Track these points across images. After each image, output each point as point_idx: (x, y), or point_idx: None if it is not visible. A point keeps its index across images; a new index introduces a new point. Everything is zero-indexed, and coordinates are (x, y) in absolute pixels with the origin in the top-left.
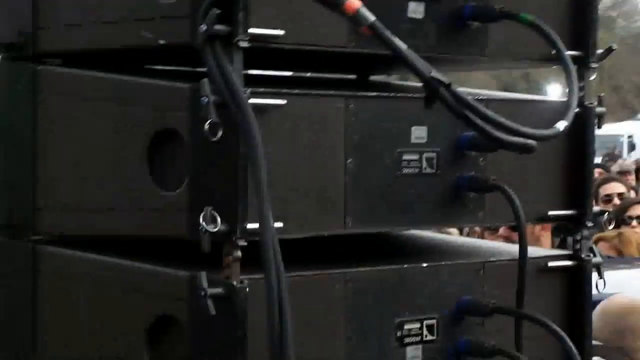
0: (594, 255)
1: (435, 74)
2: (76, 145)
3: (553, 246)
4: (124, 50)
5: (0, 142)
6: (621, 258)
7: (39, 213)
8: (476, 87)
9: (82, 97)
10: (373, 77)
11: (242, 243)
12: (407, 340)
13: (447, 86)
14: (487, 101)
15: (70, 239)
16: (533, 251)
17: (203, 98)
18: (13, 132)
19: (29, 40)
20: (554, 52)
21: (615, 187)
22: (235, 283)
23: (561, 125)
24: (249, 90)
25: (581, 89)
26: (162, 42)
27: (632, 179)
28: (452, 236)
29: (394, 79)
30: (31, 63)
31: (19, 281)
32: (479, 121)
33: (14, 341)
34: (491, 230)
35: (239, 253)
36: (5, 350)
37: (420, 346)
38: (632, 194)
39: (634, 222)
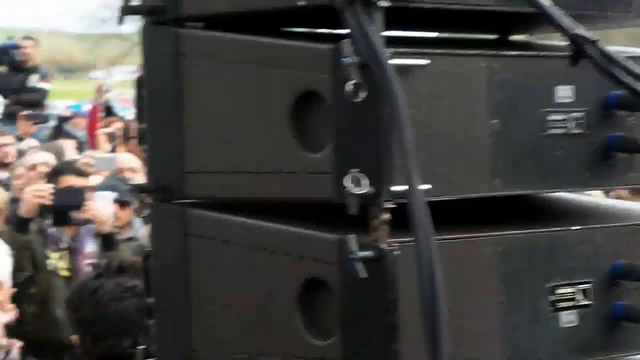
0: None
1: (580, 30)
2: (220, 108)
3: None
4: (262, 12)
5: (148, 107)
6: None
7: (187, 176)
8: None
9: (224, 60)
10: (514, 38)
11: (390, 205)
12: (560, 304)
13: (593, 43)
14: (635, 58)
15: (218, 202)
16: None
17: (345, 59)
18: (158, 97)
19: (171, 5)
20: None
21: None
22: (384, 246)
23: None
24: (391, 51)
25: None
26: (301, 3)
27: None
28: (598, 197)
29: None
30: (173, 27)
31: (170, 244)
32: (627, 78)
33: (167, 302)
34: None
35: (387, 215)
36: (162, 307)
37: (575, 311)
38: None
39: None
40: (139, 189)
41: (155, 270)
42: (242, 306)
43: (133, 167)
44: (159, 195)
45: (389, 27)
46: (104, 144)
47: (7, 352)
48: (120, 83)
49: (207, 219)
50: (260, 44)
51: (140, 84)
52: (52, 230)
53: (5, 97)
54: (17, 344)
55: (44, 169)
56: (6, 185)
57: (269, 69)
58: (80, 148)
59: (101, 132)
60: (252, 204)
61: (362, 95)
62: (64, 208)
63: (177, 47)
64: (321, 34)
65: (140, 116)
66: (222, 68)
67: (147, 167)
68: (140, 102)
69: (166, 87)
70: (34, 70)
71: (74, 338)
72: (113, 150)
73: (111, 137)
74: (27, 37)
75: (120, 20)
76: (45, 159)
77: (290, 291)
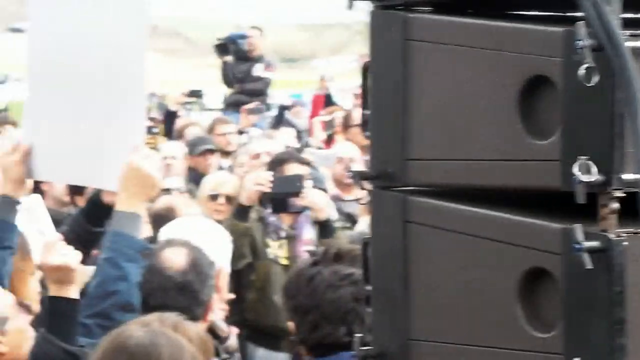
0: None
1: None
2: (445, 94)
3: None
4: None
5: (373, 93)
6: None
7: (409, 163)
8: None
9: (452, 45)
10: None
11: (619, 194)
12: None
13: None
14: None
15: (438, 189)
16: None
17: (578, 42)
18: (384, 82)
19: None
20: None
21: None
22: (612, 236)
23: None
24: (627, 33)
25: None
26: None
27: None
28: None
29: None
30: (402, 11)
31: (390, 231)
32: None
33: (385, 290)
34: None
35: (616, 205)
36: (380, 295)
37: None
38: None
39: None
40: (360, 176)
41: (374, 258)
42: (461, 296)
43: (352, 156)
44: (381, 182)
45: (626, 10)
46: (319, 132)
47: (226, 338)
48: (340, 72)
49: (428, 206)
50: (489, 27)
51: (366, 70)
52: (272, 219)
53: (230, 86)
54: (235, 330)
55: (267, 158)
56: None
57: (498, 53)
58: (300, 137)
59: (316, 120)
60: (473, 192)
61: (595, 79)
62: (283, 195)
63: (405, 32)
64: (549, 16)
65: (365, 103)
66: (449, 53)
67: (369, 154)
68: (366, 89)
69: (392, 72)
70: (259, 59)
71: (291, 325)
72: (329, 139)
73: (327, 125)
74: (253, 27)
75: (350, 6)
76: (269, 147)
77: (511, 281)
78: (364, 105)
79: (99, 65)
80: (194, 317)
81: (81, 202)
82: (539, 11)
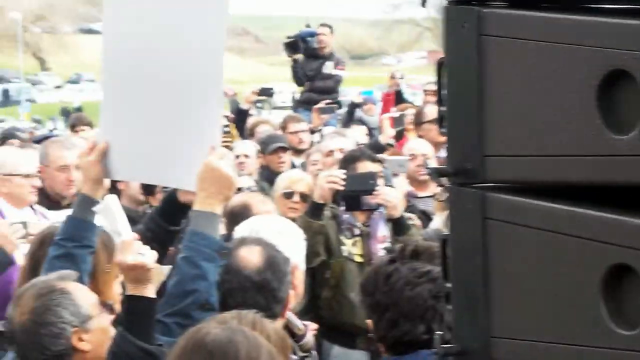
0: None
1: None
2: (522, 90)
3: None
4: None
5: (449, 89)
6: None
7: (487, 160)
8: None
9: (528, 39)
10: None
11: None
12: None
13: None
14: None
15: (517, 185)
16: None
17: None
18: (460, 78)
19: None
20: None
21: None
22: None
23: None
24: None
25: None
26: None
27: None
28: None
29: None
30: (477, 6)
31: (469, 227)
32: None
33: (465, 287)
34: None
35: None
36: (460, 293)
37: None
38: None
39: None
40: (438, 172)
41: (453, 255)
42: (543, 293)
43: (426, 153)
44: (459, 178)
45: None
46: (388, 129)
47: (303, 336)
48: (410, 69)
49: (507, 202)
50: (566, 21)
51: (441, 66)
52: (346, 216)
53: (300, 84)
54: (312, 327)
55: (339, 155)
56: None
57: (576, 47)
58: (371, 135)
59: (385, 117)
60: (552, 188)
61: None
62: (356, 193)
63: (480, 27)
64: (626, 9)
65: (440, 99)
66: (526, 48)
67: (446, 151)
68: (441, 85)
69: (468, 68)
70: (329, 57)
71: (369, 323)
72: (398, 135)
73: (396, 122)
74: (323, 25)
75: (423, 3)
76: (342, 144)
77: (594, 278)
78: (439, 102)
79: (176, 65)
80: (272, 315)
81: (154, 201)
82: (614, 4)
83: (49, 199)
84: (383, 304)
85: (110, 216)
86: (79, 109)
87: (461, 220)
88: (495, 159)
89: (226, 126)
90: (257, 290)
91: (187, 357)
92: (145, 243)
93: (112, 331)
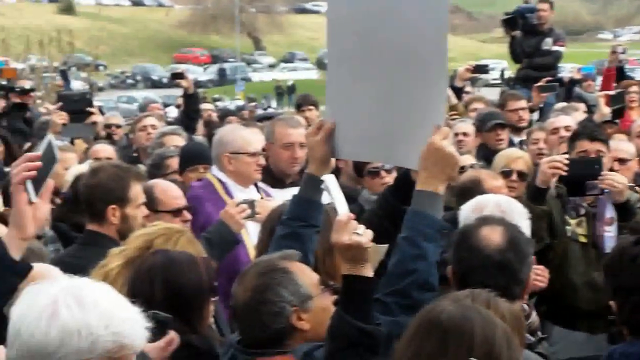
0: None
1: None
2: None
3: None
4: None
5: None
6: None
7: None
8: None
9: None
10: None
11: None
12: None
13: None
14: None
15: None
16: None
17: None
18: None
19: None
20: None
21: None
22: None
23: None
24: None
25: None
26: None
27: None
28: None
29: None
30: None
31: None
32: None
33: None
34: None
35: None
36: None
37: None
38: None
39: None
40: None
41: None
42: None
43: None
44: None
45: None
46: (603, 108)
47: (528, 316)
48: (628, 44)
49: None
50: None
51: None
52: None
53: (518, 61)
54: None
55: (565, 133)
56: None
57: None
58: (590, 112)
59: (599, 95)
60: None
61: None
62: (580, 178)
63: None
64: None
65: None
66: None
67: None
68: None
69: None
70: (548, 33)
71: (612, 305)
72: (616, 113)
73: (613, 99)
74: (542, 1)
75: None
76: (568, 122)
77: None
78: None
79: (401, 44)
80: (511, 296)
81: (363, 182)
82: None
83: (273, 177)
84: (627, 286)
85: (328, 195)
86: (292, 88)
87: None
88: None
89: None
90: (498, 270)
91: (421, 335)
92: (376, 221)
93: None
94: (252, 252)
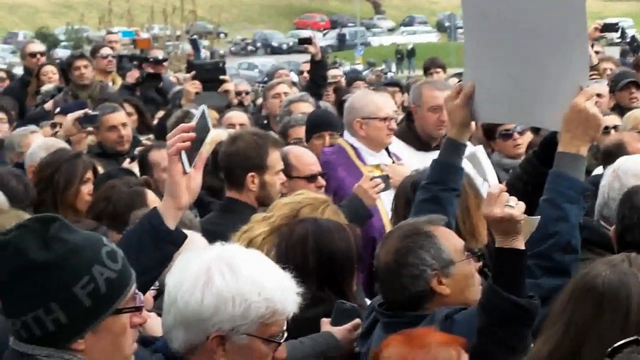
0: None
1: None
2: None
3: None
4: None
5: None
6: None
7: None
8: None
9: None
10: None
11: None
12: None
13: None
14: None
15: None
16: None
17: None
18: None
19: None
20: None
21: None
22: None
23: None
24: None
25: None
26: None
27: None
28: None
29: None
30: None
31: None
32: None
33: None
34: None
35: None
36: None
37: None
38: None
39: None
40: None
41: None
42: None
43: None
44: None
45: None
46: None
47: None
48: None
49: None
50: None
51: None
52: None
53: None
54: None
55: None
56: None
57: None
58: None
59: None
60: None
61: None
62: None
63: None
64: None
65: None
66: None
67: None
68: None
69: None
70: None
71: None
72: None
73: None
74: None
75: None
76: None
77: None
78: None
79: (540, 6)
80: None
81: (494, 146)
82: None
83: (419, 140)
84: None
85: (478, 166)
86: (412, 51)
87: None
88: None
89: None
90: None
91: (576, 300)
92: (520, 186)
93: (477, 278)
94: (385, 219)
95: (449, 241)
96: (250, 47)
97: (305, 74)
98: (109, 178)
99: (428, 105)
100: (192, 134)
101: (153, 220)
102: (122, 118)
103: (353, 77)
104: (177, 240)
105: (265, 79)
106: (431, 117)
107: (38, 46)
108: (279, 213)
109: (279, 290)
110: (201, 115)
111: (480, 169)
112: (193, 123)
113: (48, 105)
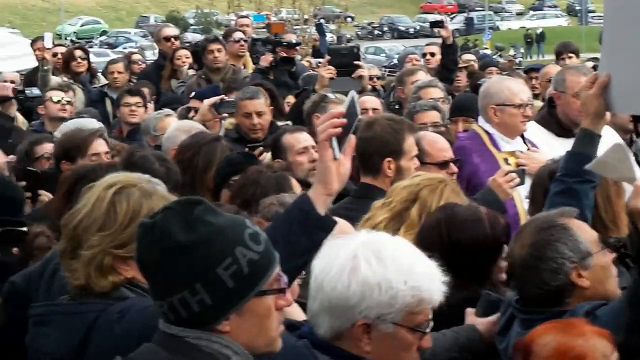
0: None
1: None
2: None
3: None
4: None
5: None
6: None
7: None
8: None
9: None
10: None
11: None
12: None
13: None
14: None
15: None
16: None
17: None
18: None
19: None
20: None
21: None
22: None
23: None
24: None
25: None
26: None
27: None
28: None
29: None
30: None
31: None
32: None
33: None
34: None
35: None
36: None
37: None
38: None
39: None
40: None
41: None
42: None
43: None
44: None
45: None
46: None
47: None
48: None
49: None
50: None
51: None
52: None
53: None
54: None
55: None
56: None
57: None
58: None
59: None
60: None
61: None
62: None
63: None
64: None
65: None
66: None
67: None
68: None
69: None
70: None
71: None
72: None
73: None
74: None
75: None
76: None
77: None
78: None
79: None
80: None
81: None
82: None
83: (560, 127)
84: None
85: (623, 158)
86: (541, 35)
87: None
88: None
89: None
90: None
91: None
92: None
93: (614, 270)
94: (519, 207)
95: (585, 233)
96: (377, 31)
97: (429, 56)
98: (228, 163)
99: (572, 91)
100: (343, 120)
101: (304, 206)
102: (258, 106)
103: (487, 62)
104: (327, 226)
105: (393, 62)
106: (576, 103)
107: (172, 30)
108: (397, 198)
109: (426, 279)
110: (350, 101)
111: (626, 161)
112: (343, 109)
113: None
